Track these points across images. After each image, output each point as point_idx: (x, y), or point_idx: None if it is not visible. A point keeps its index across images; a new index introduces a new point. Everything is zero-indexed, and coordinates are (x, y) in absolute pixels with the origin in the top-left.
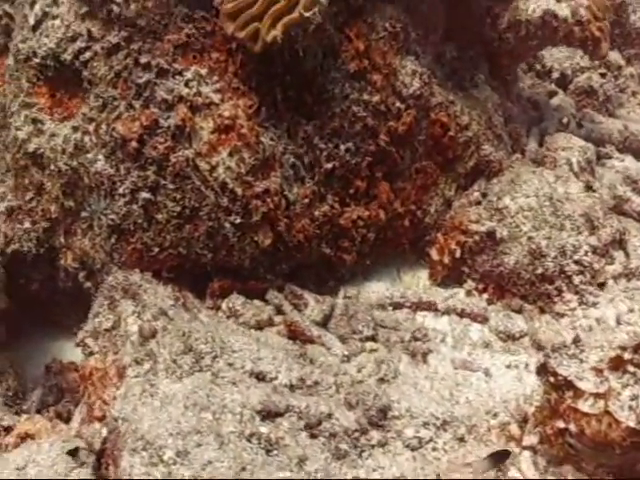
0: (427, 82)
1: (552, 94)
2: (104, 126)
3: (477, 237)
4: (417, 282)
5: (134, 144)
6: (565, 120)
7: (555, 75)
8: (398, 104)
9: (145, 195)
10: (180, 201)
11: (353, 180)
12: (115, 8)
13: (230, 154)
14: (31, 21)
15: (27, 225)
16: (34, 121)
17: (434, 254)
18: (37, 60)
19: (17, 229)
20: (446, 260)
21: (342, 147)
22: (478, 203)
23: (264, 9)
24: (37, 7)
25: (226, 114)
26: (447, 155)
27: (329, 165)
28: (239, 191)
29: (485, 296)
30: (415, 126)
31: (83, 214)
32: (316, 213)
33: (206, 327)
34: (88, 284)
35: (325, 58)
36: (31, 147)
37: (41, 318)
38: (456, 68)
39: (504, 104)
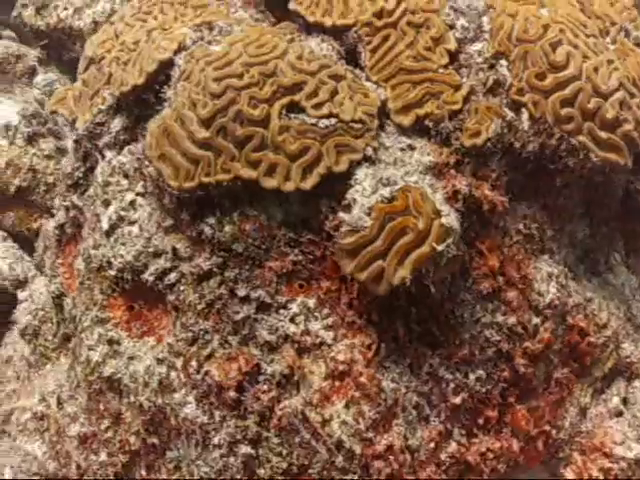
0: (564, 284)
1: None
2: (194, 363)
3: (624, 464)
4: None
5: (232, 393)
6: None
7: None
8: (534, 320)
9: (245, 449)
10: (287, 457)
11: (483, 410)
12: (207, 230)
13: (346, 406)
14: (104, 224)
15: (103, 457)
16: (110, 342)
17: (571, 478)
18: (112, 272)
19: (92, 461)
20: None
21: (472, 376)
22: (619, 414)
23: (389, 244)
24: (111, 209)
25: (340, 357)
26: (585, 362)
27: (457, 399)
28: (357, 449)
29: None
30: (552, 339)
31: (169, 454)
32: (442, 456)
33: None
34: None
35: (454, 279)
36: (107, 371)
37: None
38: (589, 249)
39: None
